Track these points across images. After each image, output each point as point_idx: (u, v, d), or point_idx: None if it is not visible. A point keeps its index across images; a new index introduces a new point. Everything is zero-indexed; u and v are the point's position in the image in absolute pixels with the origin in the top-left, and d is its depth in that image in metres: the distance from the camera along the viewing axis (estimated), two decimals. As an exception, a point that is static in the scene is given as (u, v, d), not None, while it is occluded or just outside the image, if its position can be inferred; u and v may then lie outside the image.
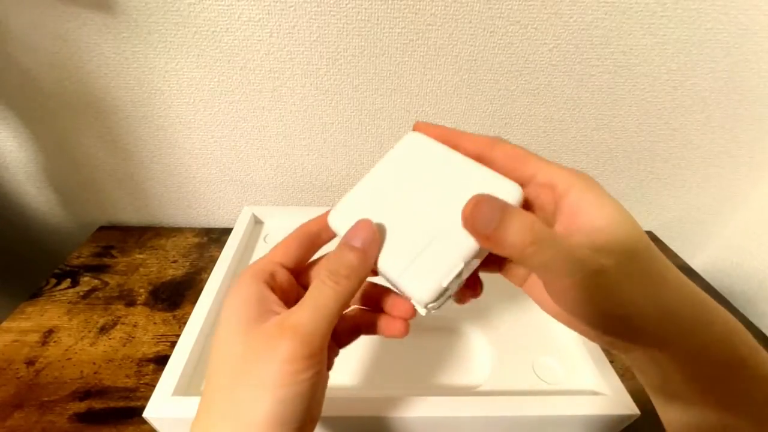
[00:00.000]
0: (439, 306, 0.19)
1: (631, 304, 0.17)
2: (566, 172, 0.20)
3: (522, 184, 0.20)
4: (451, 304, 0.22)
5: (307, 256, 0.23)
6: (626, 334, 0.19)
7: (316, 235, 0.23)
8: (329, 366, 0.23)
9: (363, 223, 0.20)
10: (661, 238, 0.60)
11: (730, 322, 0.19)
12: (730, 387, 0.18)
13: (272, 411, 0.17)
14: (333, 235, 0.23)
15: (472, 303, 0.38)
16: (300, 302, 0.19)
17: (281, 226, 0.51)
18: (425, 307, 0.19)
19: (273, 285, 0.21)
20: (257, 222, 0.52)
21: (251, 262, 0.41)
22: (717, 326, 0.18)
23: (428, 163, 0.21)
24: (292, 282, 0.22)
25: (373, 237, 0.20)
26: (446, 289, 0.19)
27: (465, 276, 0.19)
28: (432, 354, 0.36)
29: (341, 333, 0.23)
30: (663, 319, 0.18)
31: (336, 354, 0.24)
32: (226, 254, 0.43)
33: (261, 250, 0.47)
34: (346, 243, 0.20)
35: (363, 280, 0.20)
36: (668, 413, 0.21)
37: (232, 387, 0.18)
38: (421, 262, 0.19)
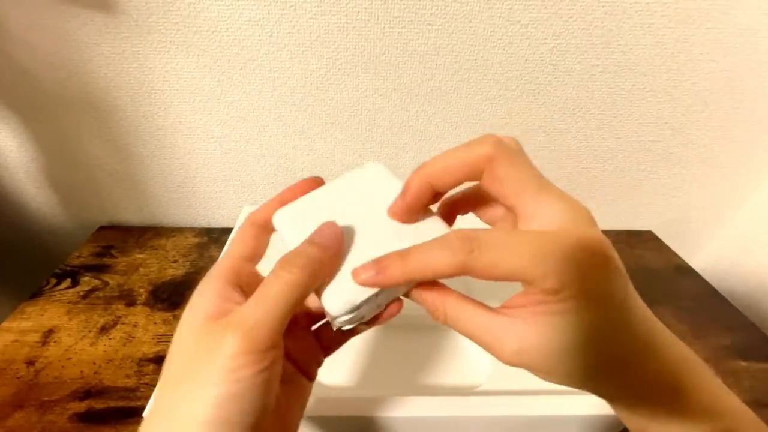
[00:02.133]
0: (350, 324, 0.19)
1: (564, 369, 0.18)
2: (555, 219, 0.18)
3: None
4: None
5: (262, 245, 0.22)
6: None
7: (266, 223, 0.22)
8: (311, 376, 0.22)
9: (329, 225, 0.20)
10: (661, 238, 0.60)
11: (672, 357, 0.18)
12: (670, 415, 0.18)
13: (211, 411, 0.16)
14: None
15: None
16: (253, 294, 0.18)
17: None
18: (334, 321, 0.19)
19: (239, 282, 0.20)
20: None
21: None
22: (656, 364, 0.18)
23: (376, 192, 0.23)
24: (257, 274, 0.21)
25: (338, 237, 0.20)
26: (358, 308, 0.19)
27: (383, 302, 0.20)
28: (431, 354, 0.36)
29: (326, 339, 0.23)
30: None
31: (319, 363, 0.23)
32: None
33: None
34: (308, 239, 0.19)
35: (319, 275, 0.19)
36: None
37: (175, 385, 0.17)
38: (343, 280, 0.19)
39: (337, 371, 0.34)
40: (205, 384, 0.16)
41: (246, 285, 0.20)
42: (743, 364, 0.42)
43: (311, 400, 0.29)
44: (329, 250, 0.19)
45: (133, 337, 0.41)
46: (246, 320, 0.17)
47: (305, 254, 0.19)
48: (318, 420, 0.29)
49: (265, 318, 0.17)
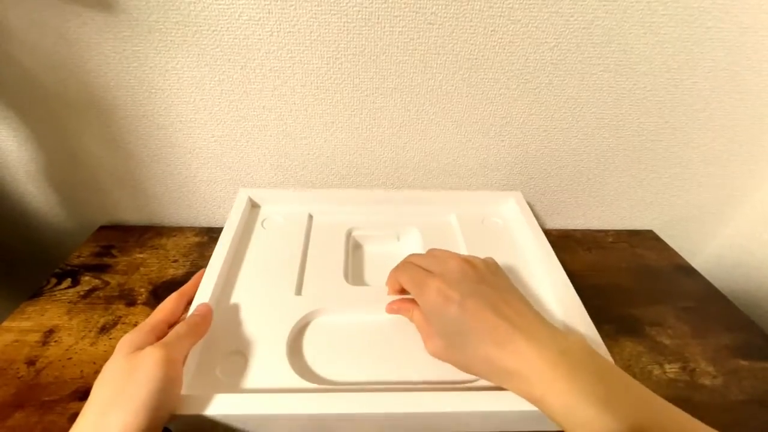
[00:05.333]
0: None
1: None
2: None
3: None
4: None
5: (180, 311, 0.35)
6: None
7: (189, 298, 0.36)
8: None
9: (204, 304, 0.36)
10: (662, 238, 0.60)
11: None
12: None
13: (148, 395, 0.26)
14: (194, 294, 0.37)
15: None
16: (166, 335, 0.31)
17: (279, 210, 0.50)
18: None
19: (158, 335, 0.31)
20: (254, 206, 0.51)
21: (248, 249, 0.45)
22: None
23: None
24: (167, 331, 0.32)
25: (209, 310, 0.35)
26: None
27: None
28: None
29: None
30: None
31: None
32: (224, 241, 0.43)
33: (259, 236, 0.47)
34: (193, 312, 0.35)
35: (201, 328, 0.34)
36: None
37: (121, 388, 0.27)
38: None
39: (333, 367, 0.34)
40: (144, 374, 0.27)
41: (161, 338, 0.31)
42: (744, 363, 0.42)
43: (308, 398, 0.29)
44: (204, 317, 0.35)
45: (133, 337, 0.41)
46: (166, 343, 0.29)
47: (194, 317, 0.34)
48: (316, 417, 0.29)
49: (175, 342, 0.30)
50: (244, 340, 0.35)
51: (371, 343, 0.36)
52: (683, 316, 0.47)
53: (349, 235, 0.48)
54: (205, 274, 0.39)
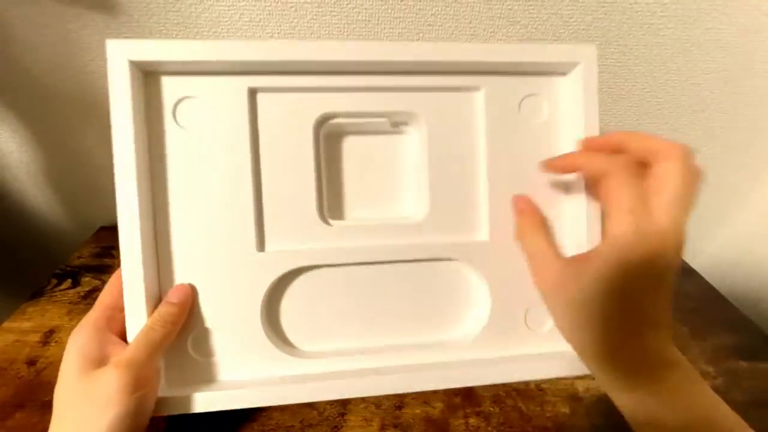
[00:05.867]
0: None
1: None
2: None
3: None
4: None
5: None
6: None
7: None
8: None
9: (180, 287, 0.27)
10: (662, 238, 0.60)
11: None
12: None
13: (114, 423, 0.22)
14: None
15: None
16: (133, 341, 0.25)
17: (196, 86, 0.28)
18: None
19: (111, 327, 0.26)
20: (148, 75, 0.27)
21: (168, 174, 0.28)
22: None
23: None
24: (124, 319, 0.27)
25: (189, 295, 0.27)
26: None
27: None
28: (409, 297, 0.32)
29: None
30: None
31: None
32: (125, 173, 0.26)
33: (176, 143, 0.28)
34: (168, 302, 0.27)
35: (181, 324, 0.27)
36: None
37: (75, 412, 0.23)
38: None
39: (318, 333, 0.32)
40: (104, 407, 0.22)
41: (118, 330, 0.27)
42: (744, 364, 0.42)
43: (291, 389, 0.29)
44: (185, 307, 0.27)
45: (133, 337, 0.41)
46: (135, 360, 0.24)
47: (172, 314, 0.26)
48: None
49: (148, 357, 0.25)
50: (211, 321, 0.29)
51: (360, 300, 0.31)
52: (683, 317, 0.47)
53: (319, 126, 0.30)
54: (123, 234, 0.27)
